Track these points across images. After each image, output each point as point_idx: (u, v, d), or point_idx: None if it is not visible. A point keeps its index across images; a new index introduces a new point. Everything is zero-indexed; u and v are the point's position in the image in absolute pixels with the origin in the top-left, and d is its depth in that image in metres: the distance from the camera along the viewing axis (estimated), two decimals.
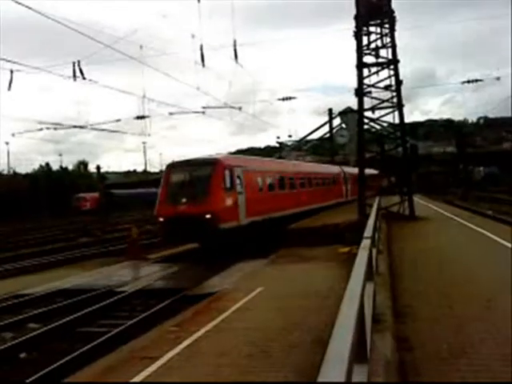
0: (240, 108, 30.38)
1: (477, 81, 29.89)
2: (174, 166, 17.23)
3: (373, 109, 20.33)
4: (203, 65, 20.33)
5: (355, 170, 33.49)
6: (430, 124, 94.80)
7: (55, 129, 31.05)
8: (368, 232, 7.59)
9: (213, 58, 24.49)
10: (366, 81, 19.90)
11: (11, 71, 18.45)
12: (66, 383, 5.91)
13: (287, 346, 5.87)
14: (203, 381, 5.08)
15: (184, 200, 15.56)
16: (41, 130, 30.46)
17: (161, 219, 16.03)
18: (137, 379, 5.23)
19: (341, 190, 32.25)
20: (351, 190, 32.67)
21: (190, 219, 14.83)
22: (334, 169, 33.80)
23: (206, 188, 15.61)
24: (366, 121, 20.75)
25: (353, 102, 26.21)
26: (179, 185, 16.40)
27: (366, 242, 6.41)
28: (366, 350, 3.76)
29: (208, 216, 14.86)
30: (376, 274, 7.55)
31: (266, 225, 17.71)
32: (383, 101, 20.22)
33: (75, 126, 31.56)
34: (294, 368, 5.15)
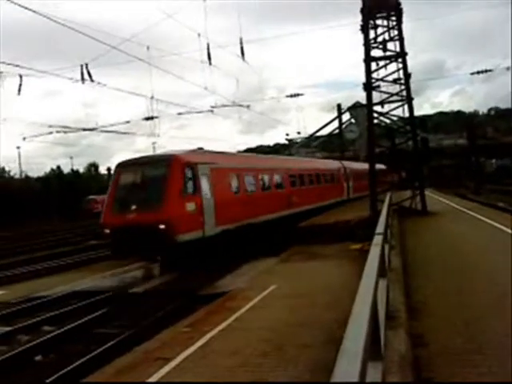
0: (248, 106, 30.32)
1: (486, 71, 29.42)
2: (123, 166, 14.35)
3: (382, 103, 20.17)
4: (210, 63, 20.39)
5: (360, 165, 32.31)
6: (440, 116, 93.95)
7: (65, 132, 31.27)
8: (380, 228, 7.54)
9: (219, 56, 24.46)
10: (375, 75, 19.78)
11: (20, 76, 18.63)
12: None
13: (301, 345, 5.84)
14: (216, 381, 5.08)
15: (134, 207, 12.94)
16: (51, 133, 30.68)
17: (107, 231, 13.32)
18: (152, 380, 5.26)
19: (341, 188, 29.00)
20: (354, 188, 30.30)
21: (141, 230, 12.37)
22: (333, 164, 30.26)
23: (160, 192, 12.94)
24: (375, 115, 20.60)
25: (361, 97, 25.99)
26: (128, 189, 13.68)
27: (378, 238, 6.38)
28: (380, 348, 3.73)
29: (162, 226, 12.31)
30: (389, 269, 7.49)
31: (242, 233, 15.16)
32: (392, 94, 20.07)
33: (85, 129, 31.58)
34: (308, 366, 5.13)
